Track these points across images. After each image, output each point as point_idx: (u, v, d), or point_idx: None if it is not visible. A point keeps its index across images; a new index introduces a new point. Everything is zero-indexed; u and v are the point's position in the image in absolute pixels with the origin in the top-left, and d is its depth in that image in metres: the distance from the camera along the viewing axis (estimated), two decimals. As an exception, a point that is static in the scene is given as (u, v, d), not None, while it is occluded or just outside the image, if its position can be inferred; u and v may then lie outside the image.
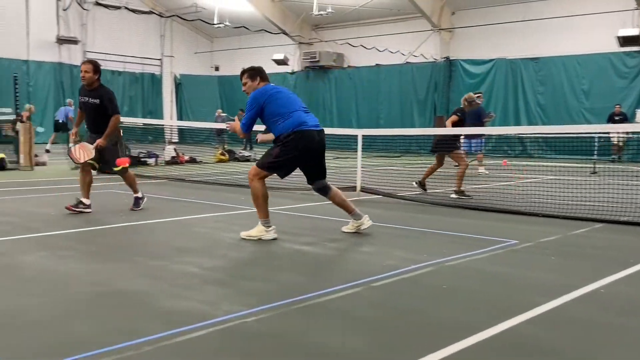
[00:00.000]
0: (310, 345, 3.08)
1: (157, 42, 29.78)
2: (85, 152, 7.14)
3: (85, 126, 7.46)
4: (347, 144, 19.25)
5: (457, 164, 9.73)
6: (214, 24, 27.26)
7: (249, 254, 5.21)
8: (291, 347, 3.03)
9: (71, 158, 7.36)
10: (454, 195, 9.02)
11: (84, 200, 7.28)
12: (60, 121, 20.03)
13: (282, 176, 5.89)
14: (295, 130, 5.57)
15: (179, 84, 31.03)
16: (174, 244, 5.52)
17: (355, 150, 9.12)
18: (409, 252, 5.32)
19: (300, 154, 5.66)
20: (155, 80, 30.10)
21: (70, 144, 7.66)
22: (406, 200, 8.78)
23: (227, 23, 27.06)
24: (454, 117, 9.93)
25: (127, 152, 7.76)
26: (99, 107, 7.17)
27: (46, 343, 3.03)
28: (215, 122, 21.59)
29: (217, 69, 32.02)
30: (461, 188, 9.08)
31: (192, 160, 16.71)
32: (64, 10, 25.80)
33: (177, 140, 23.12)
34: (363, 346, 3.09)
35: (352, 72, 26.70)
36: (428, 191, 9.74)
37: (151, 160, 15.52)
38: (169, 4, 28.82)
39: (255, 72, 5.83)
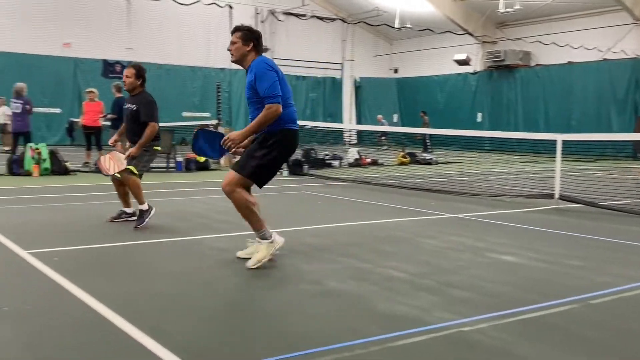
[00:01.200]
0: (533, 361, 3.00)
1: (339, 46, 30.76)
2: (115, 162, 6.52)
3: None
4: (533, 147, 18.33)
5: None
6: (397, 28, 27.44)
7: (451, 261, 5.19)
8: (513, 362, 2.99)
9: (99, 169, 6.83)
10: None
11: (126, 209, 6.88)
12: None
13: (263, 185, 4.88)
14: (290, 127, 4.79)
15: (358, 87, 31.77)
16: (375, 247, 5.69)
17: (543, 154, 8.64)
18: (626, 269, 4.93)
19: (286, 156, 4.97)
20: (335, 84, 31.15)
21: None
22: (611, 210, 8.13)
23: (409, 25, 27.13)
24: None
25: (145, 169, 6.85)
26: (136, 114, 6.67)
27: (279, 334, 3.31)
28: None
29: (395, 71, 32.26)
30: None
31: (374, 163, 17.03)
32: (262, 22, 27.74)
33: (355, 142, 23.77)
34: (591, 368, 2.94)
35: (540, 71, 25.30)
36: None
37: (335, 163, 16.05)
38: (350, 8, 29.64)
39: (251, 36, 4.82)
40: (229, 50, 4.87)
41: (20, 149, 12.87)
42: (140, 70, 6.75)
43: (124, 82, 6.83)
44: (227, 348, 3.12)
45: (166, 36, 25.22)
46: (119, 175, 6.61)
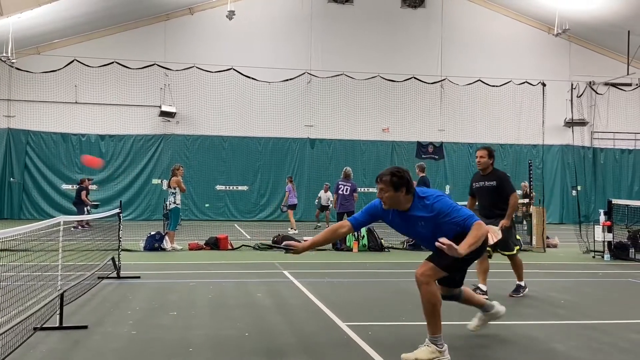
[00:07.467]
0: None
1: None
2: (492, 234, 6.80)
3: (479, 212, 7.28)
4: None
5: None
6: None
7: None
8: None
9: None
10: None
11: (481, 286, 7.26)
12: None
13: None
14: None
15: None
16: None
17: None
18: None
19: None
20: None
21: None
22: None
23: None
24: None
25: (517, 237, 7.59)
26: (495, 190, 7.29)
27: None
28: None
29: None
30: None
31: None
32: (578, 97, 26.29)
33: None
34: None
35: None
36: None
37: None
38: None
39: (400, 182, 4.45)
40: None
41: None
42: (492, 151, 7.50)
43: (478, 162, 7.46)
44: None
45: (476, 116, 25.77)
46: (489, 251, 7.07)
